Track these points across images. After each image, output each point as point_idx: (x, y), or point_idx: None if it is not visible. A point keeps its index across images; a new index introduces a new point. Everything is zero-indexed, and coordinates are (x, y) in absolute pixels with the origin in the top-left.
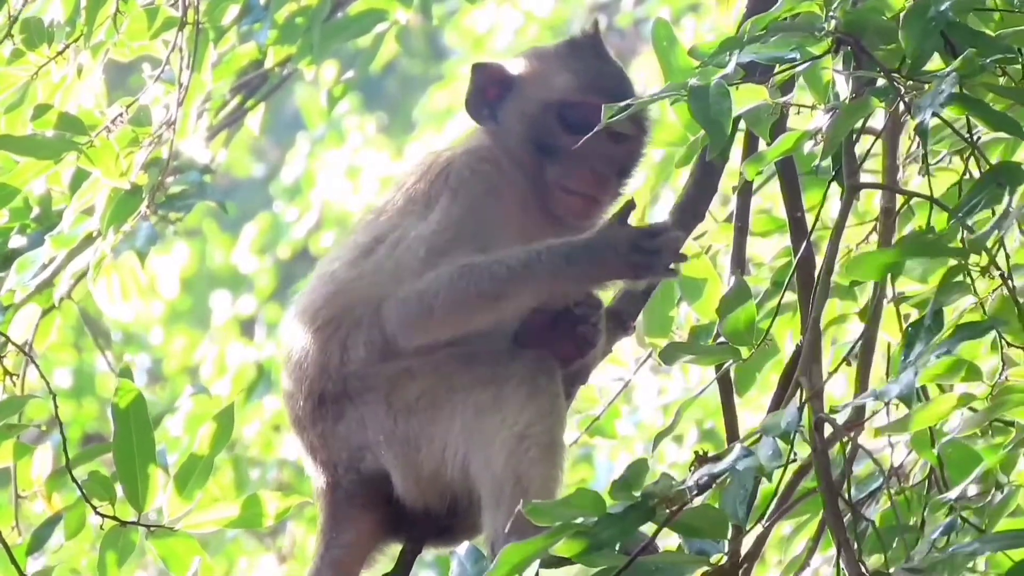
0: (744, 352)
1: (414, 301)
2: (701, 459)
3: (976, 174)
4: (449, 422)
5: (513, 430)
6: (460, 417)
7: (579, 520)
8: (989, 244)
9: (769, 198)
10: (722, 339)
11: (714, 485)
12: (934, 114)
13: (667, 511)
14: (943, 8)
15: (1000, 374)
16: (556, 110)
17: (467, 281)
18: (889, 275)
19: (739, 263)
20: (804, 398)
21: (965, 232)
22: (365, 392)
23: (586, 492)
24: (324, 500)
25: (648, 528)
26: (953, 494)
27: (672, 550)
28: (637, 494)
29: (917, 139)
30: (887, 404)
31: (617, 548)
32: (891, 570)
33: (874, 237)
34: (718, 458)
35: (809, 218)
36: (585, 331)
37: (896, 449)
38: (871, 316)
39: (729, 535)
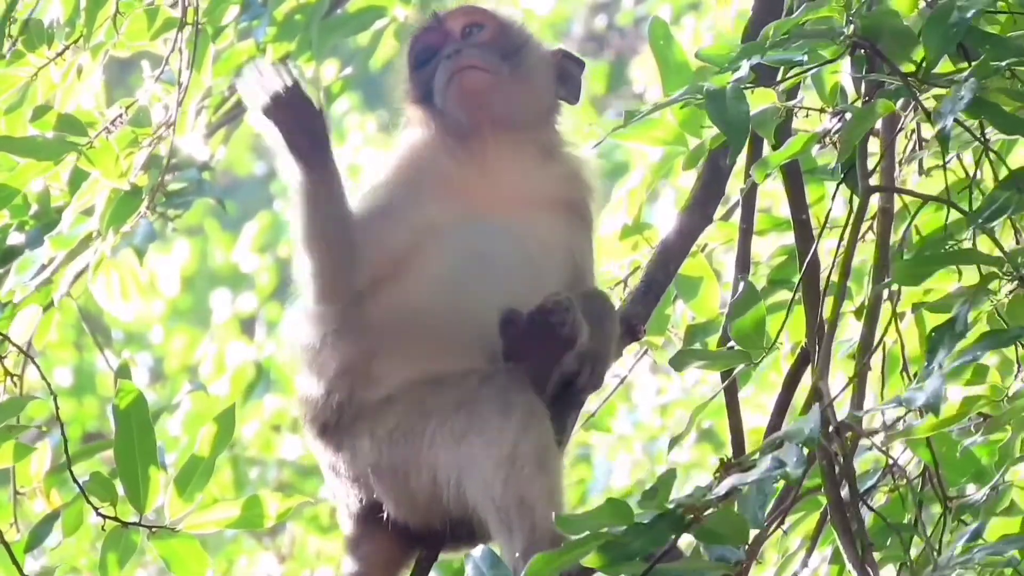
0: (753, 356)
1: None
2: (728, 466)
3: (979, 174)
4: (431, 449)
5: (502, 452)
6: (441, 444)
7: (606, 530)
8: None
9: (767, 197)
10: (730, 343)
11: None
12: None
13: (692, 518)
14: (968, 15)
15: (1016, 375)
16: (408, 65)
17: None
18: (885, 273)
19: (744, 264)
20: (824, 404)
21: (977, 236)
22: (356, 421)
23: (614, 502)
24: (345, 514)
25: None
26: (979, 496)
27: (687, 558)
28: (667, 504)
29: (915, 140)
30: (910, 411)
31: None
32: (887, 569)
33: (870, 236)
34: (742, 466)
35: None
36: (565, 331)
37: (892, 447)
38: (869, 317)
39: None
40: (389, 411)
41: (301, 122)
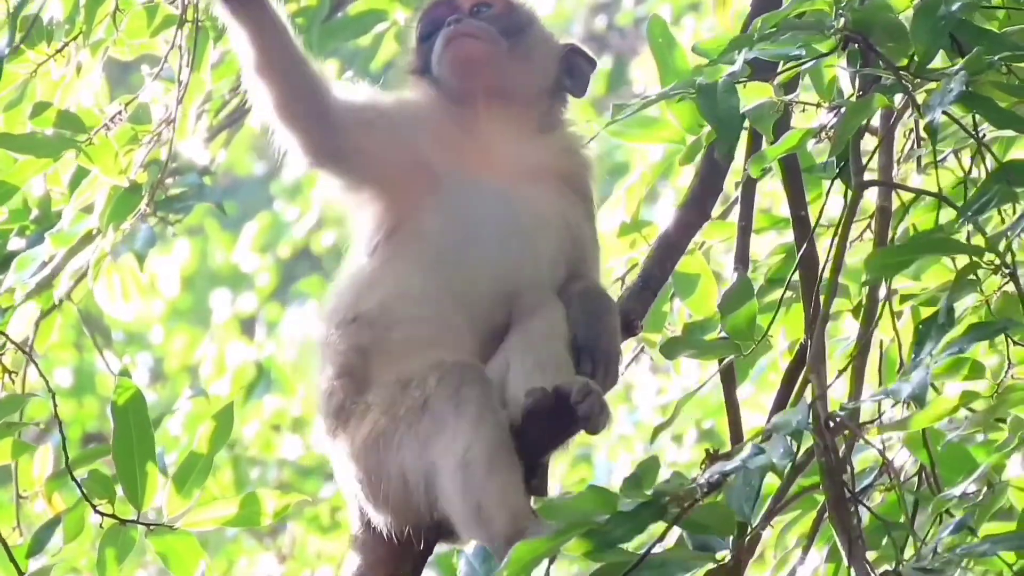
0: (744, 347)
1: None
2: (712, 457)
3: (976, 172)
4: (399, 453)
5: (457, 458)
6: (408, 448)
7: (590, 518)
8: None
9: (767, 196)
10: (723, 335)
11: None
12: (943, 112)
13: (677, 509)
14: (954, 8)
15: (1005, 373)
16: (416, 37)
17: None
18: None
19: (742, 261)
20: (813, 397)
21: (971, 229)
22: (346, 427)
23: (597, 490)
24: (353, 511)
25: (657, 525)
26: (957, 491)
27: (672, 547)
28: (648, 492)
29: (914, 137)
30: (896, 403)
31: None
32: (882, 568)
33: (868, 235)
34: (728, 456)
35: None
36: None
37: (889, 446)
38: (866, 314)
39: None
40: (366, 417)
41: None
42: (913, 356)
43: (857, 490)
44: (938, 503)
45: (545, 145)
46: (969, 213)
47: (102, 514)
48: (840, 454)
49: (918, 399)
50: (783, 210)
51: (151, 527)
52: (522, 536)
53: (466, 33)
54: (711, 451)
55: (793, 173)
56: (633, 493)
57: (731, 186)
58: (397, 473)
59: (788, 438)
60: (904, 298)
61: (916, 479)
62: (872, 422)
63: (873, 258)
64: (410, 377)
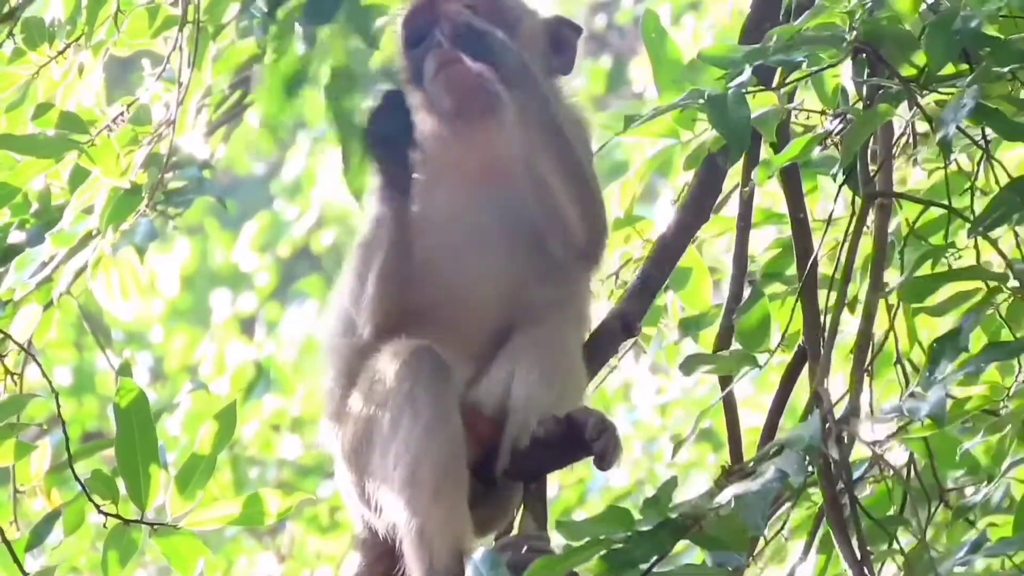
0: (760, 359)
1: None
2: (729, 473)
3: (990, 180)
4: (375, 455)
5: (405, 474)
6: (377, 451)
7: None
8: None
9: (767, 197)
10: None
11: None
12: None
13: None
14: (972, 24)
15: (1017, 376)
16: (402, 42)
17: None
18: (882, 269)
19: (741, 261)
20: (824, 411)
21: (978, 241)
22: (339, 429)
23: (616, 510)
24: (353, 510)
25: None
26: (978, 498)
27: (687, 564)
28: (669, 512)
29: (910, 134)
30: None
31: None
32: (882, 563)
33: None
34: (743, 472)
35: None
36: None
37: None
38: (865, 317)
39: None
40: (348, 421)
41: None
42: (927, 373)
43: (852, 480)
44: (958, 511)
45: None
46: (980, 228)
47: (106, 514)
48: (842, 462)
49: (937, 418)
50: (784, 208)
51: (155, 527)
52: (461, 562)
53: (458, 58)
54: (726, 467)
55: (792, 175)
56: (652, 512)
57: (729, 186)
58: (373, 480)
59: (802, 454)
60: (915, 312)
61: (911, 470)
62: (880, 437)
63: (906, 288)
64: (376, 372)
